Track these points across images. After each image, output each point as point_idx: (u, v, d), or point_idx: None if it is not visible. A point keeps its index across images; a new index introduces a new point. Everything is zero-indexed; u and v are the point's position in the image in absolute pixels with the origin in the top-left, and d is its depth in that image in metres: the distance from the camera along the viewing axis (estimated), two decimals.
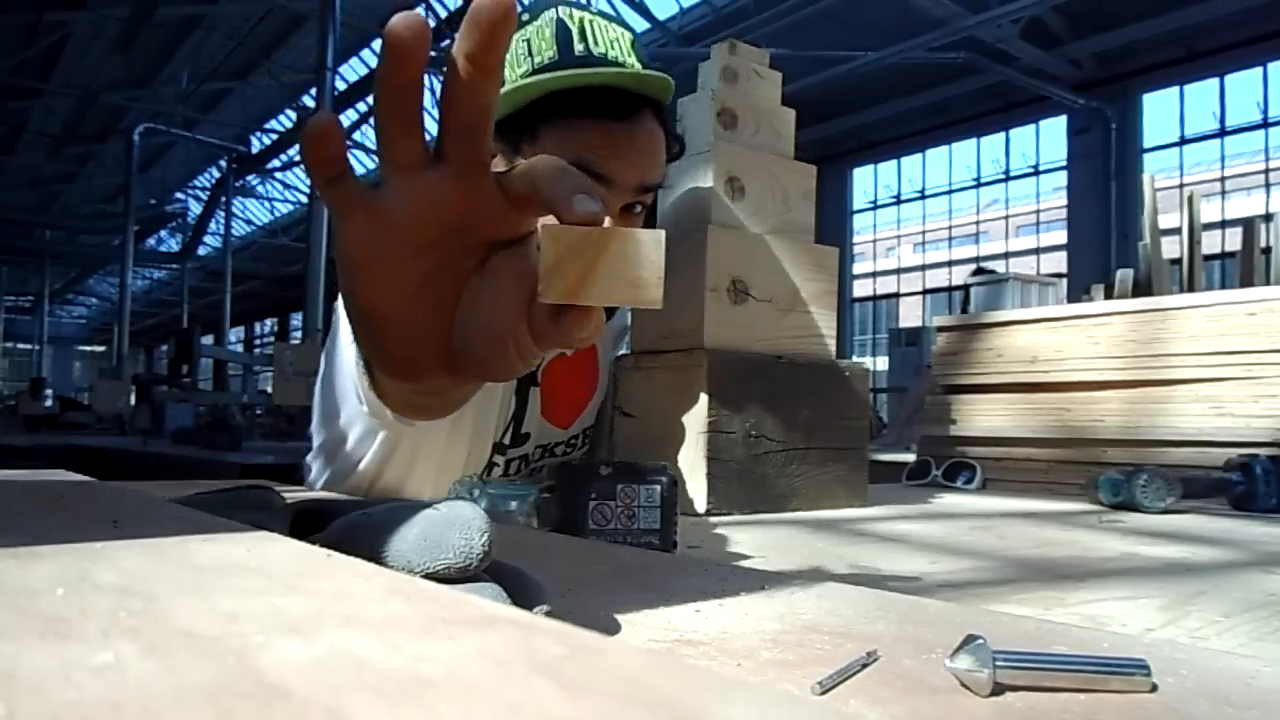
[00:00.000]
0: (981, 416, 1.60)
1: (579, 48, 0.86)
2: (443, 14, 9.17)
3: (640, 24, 9.48)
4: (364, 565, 0.27)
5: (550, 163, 0.33)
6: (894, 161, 12.12)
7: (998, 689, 0.32)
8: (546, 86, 0.84)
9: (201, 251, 17.20)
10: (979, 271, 7.89)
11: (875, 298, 13.39)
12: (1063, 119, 10.06)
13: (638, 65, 0.88)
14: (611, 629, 0.40)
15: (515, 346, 0.34)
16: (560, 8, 0.90)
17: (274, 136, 13.62)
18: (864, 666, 0.34)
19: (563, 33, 0.87)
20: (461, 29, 0.31)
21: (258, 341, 26.81)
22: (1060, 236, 10.61)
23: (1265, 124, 9.05)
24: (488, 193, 0.34)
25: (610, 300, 0.32)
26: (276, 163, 13.59)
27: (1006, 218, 11.86)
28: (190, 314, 16.91)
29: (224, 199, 14.13)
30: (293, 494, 0.63)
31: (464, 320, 0.35)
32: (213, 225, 15.41)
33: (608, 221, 0.33)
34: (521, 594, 0.37)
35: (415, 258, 0.34)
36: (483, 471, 1.01)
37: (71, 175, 16.27)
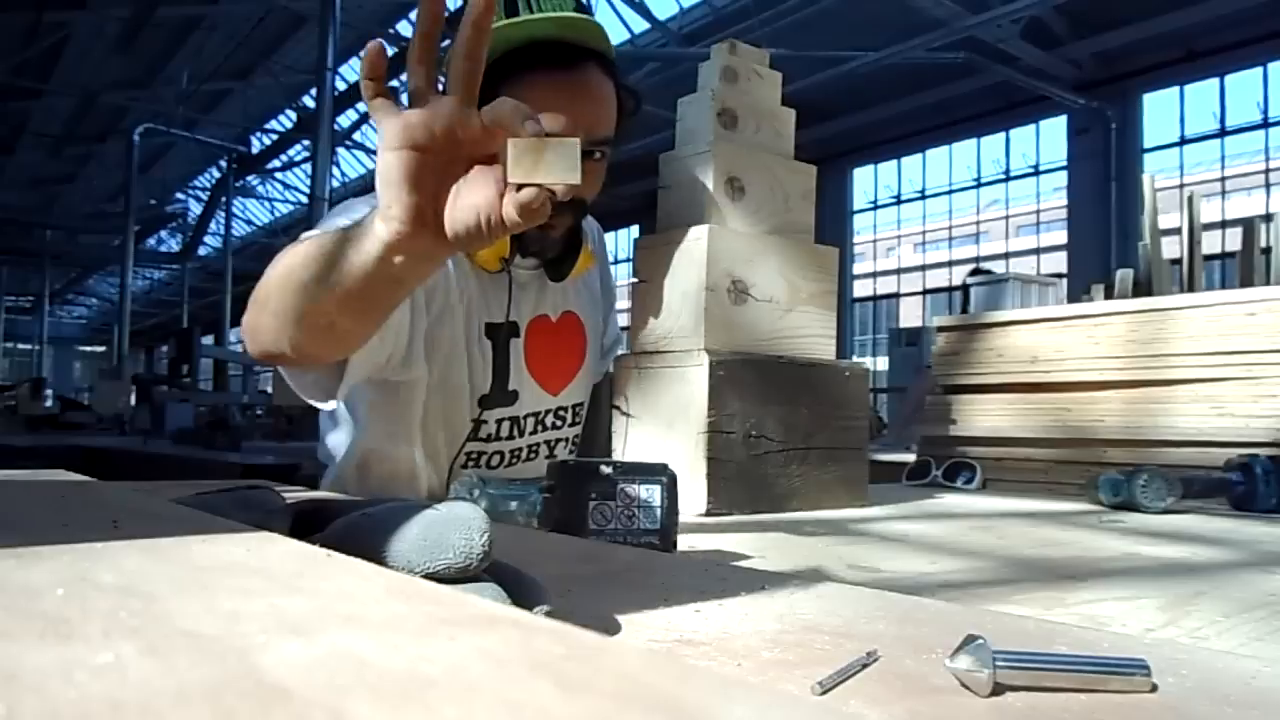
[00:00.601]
0: (981, 416, 1.60)
1: (523, 10, 0.94)
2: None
3: (640, 24, 9.48)
4: (364, 565, 0.27)
5: (509, 102, 0.52)
6: (894, 162, 12.10)
7: (998, 689, 0.32)
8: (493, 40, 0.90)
9: (202, 251, 17.17)
10: (977, 271, 7.86)
11: (875, 298, 13.38)
12: (1063, 119, 10.04)
13: None
14: (611, 629, 0.40)
15: (487, 219, 0.52)
16: None
17: (274, 137, 13.59)
18: (864, 666, 0.34)
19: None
20: (468, 9, 0.51)
21: None
22: (1060, 236, 10.59)
23: (1265, 124, 9.03)
24: (473, 120, 0.52)
25: (550, 180, 0.50)
26: (276, 163, 13.58)
27: (1006, 218, 11.83)
28: (190, 314, 16.89)
29: (224, 199, 14.10)
30: (293, 494, 0.63)
31: (453, 202, 0.54)
32: (213, 225, 15.39)
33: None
34: (521, 594, 0.37)
35: (425, 154, 0.53)
36: (470, 431, 1.01)
37: (71, 175, 16.24)
